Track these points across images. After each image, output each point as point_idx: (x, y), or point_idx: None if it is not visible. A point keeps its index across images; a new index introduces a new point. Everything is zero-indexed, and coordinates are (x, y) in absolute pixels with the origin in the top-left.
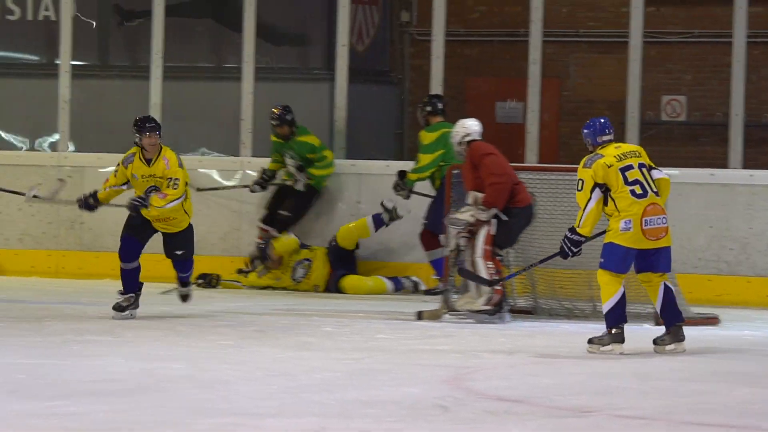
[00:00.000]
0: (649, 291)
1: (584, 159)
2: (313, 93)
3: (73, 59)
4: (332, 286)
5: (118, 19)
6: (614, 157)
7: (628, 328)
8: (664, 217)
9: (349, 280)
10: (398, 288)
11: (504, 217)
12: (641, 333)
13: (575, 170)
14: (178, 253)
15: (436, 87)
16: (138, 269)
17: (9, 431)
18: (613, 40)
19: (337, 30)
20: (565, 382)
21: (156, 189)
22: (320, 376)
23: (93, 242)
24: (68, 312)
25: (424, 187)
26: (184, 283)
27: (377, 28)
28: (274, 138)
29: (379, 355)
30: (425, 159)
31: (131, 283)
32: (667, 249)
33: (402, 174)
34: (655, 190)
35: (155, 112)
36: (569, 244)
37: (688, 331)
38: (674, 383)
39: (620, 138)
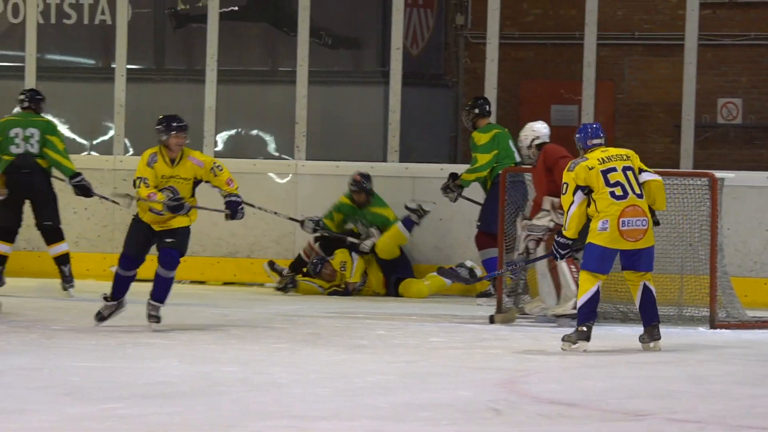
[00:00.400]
0: (631, 289)
1: (569, 163)
2: (367, 96)
3: (129, 63)
4: (391, 290)
5: (173, 23)
6: (597, 160)
7: (683, 331)
8: (644, 219)
9: (408, 286)
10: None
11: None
12: (696, 336)
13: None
14: (169, 240)
15: (491, 90)
16: (133, 278)
17: None
18: (669, 43)
19: (392, 33)
20: (620, 386)
21: (172, 189)
22: (373, 378)
23: None
24: (123, 314)
25: (472, 192)
26: (159, 295)
27: (432, 31)
28: (344, 200)
29: (432, 358)
30: (483, 158)
31: (121, 291)
32: (648, 249)
33: (453, 176)
34: (638, 192)
35: (210, 116)
36: (557, 247)
37: (744, 334)
38: (729, 386)
39: (676, 141)
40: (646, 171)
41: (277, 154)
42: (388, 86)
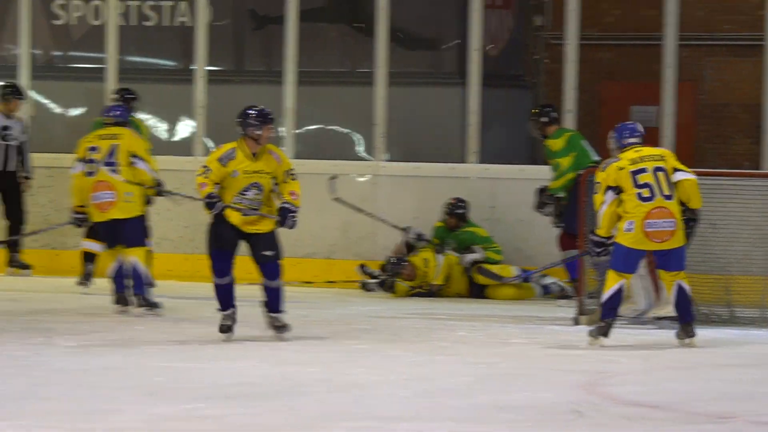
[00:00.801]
0: (666, 288)
1: (602, 163)
2: (445, 97)
3: (209, 65)
4: (475, 292)
5: (252, 24)
6: (629, 160)
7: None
8: (671, 221)
9: (496, 289)
10: (546, 292)
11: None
12: None
13: (716, 174)
14: (268, 254)
15: (570, 91)
16: (233, 283)
17: None
18: (750, 43)
19: (470, 34)
20: (703, 388)
21: (257, 186)
22: (454, 380)
23: None
24: (206, 315)
25: None
26: (274, 306)
27: (510, 32)
28: (438, 224)
29: (513, 360)
30: (565, 162)
31: (228, 299)
32: (677, 250)
33: (541, 191)
34: (667, 194)
35: (289, 117)
36: (591, 245)
37: None
38: None
39: (757, 142)
40: (680, 170)
41: (356, 155)
42: (467, 87)
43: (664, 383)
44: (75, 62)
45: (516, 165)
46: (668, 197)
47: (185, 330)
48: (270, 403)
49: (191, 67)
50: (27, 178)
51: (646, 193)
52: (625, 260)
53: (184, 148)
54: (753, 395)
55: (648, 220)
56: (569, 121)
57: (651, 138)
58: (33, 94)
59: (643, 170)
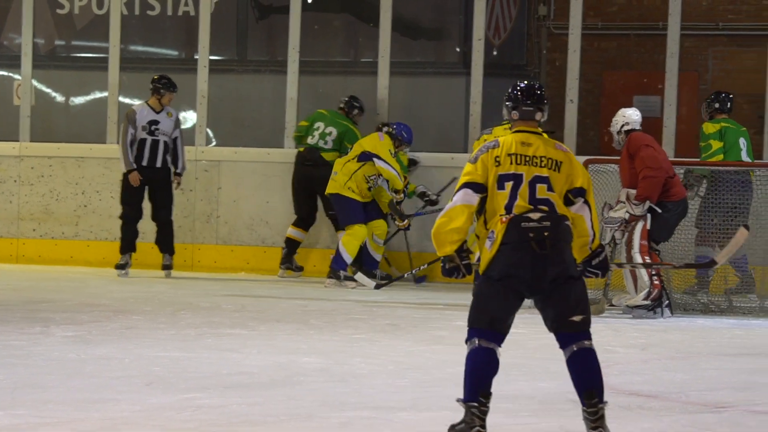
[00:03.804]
0: None
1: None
2: (448, 87)
3: (212, 54)
4: None
5: (256, 14)
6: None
7: (765, 323)
8: None
9: None
10: None
11: (658, 210)
12: None
13: (717, 164)
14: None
15: (573, 81)
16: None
17: (145, 423)
18: (754, 33)
19: (473, 23)
20: (700, 378)
21: None
22: (453, 370)
23: (228, 236)
24: (203, 305)
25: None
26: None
27: (514, 21)
28: None
29: (511, 350)
30: (714, 144)
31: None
32: None
33: (687, 172)
34: None
35: (291, 107)
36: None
37: None
38: None
39: (760, 132)
40: None
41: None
42: (470, 77)
43: (661, 373)
44: (78, 51)
45: None
46: None
47: (182, 320)
48: (268, 393)
49: (194, 57)
50: (178, 174)
51: None
52: None
53: (186, 137)
54: (749, 385)
55: None
56: (571, 111)
57: (653, 128)
58: (34, 83)
59: None
